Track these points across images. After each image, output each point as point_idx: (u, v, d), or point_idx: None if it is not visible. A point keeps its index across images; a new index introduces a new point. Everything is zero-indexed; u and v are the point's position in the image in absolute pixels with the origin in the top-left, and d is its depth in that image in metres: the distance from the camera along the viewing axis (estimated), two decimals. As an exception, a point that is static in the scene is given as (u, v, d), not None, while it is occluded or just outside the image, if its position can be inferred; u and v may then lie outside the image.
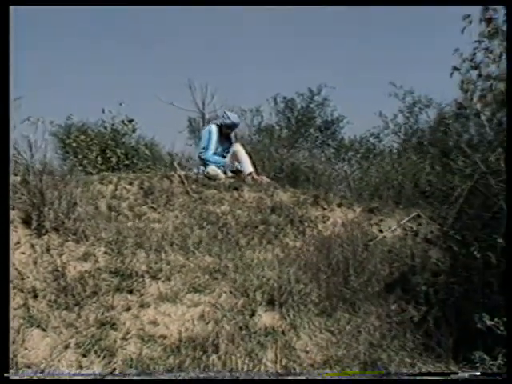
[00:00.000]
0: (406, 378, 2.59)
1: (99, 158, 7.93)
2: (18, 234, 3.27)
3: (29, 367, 2.47)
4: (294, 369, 2.56)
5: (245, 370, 2.51)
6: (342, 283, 3.62)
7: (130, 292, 3.07)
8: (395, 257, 3.97)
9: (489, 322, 2.80)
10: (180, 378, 2.34)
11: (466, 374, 2.51)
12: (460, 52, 3.32)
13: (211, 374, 2.37)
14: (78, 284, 3.00)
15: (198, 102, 9.90)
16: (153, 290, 3.12)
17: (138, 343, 2.68)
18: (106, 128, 8.59)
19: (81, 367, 2.53)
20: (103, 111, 8.56)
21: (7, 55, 2.76)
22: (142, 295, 3.06)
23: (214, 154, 6.35)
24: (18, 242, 3.21)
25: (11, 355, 2.44)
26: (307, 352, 2.93)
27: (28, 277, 3.00)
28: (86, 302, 2.91)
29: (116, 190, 5.26)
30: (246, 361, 2.68)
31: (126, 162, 8.05)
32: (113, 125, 8.57)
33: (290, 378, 2.47)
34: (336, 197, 5.72)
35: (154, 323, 2.84)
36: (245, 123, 9.43)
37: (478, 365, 2.83)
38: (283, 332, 2.94)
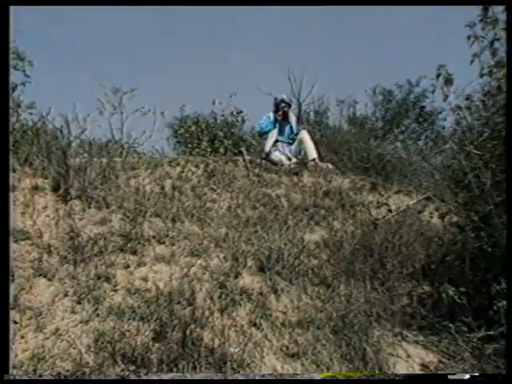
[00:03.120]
0: (404, 378, 2.66)
1: (208, 148, 8.40)
2: (46, 199, 3.73)
3: (30, 309, 2.87)
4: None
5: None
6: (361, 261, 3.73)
7: (134, 253, 3.42)
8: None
9: (451, 293, 2.85)
10: (178, 378, 2.49)
11: (466, 375, 2.57)
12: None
13: (209, 374, 2.51)
14: (89, 244, 3.39)
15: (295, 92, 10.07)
16: (154, 252, 3.44)
17: (124, 295, 3.02)
18: (215, 119, 9.09)
19: (73, 312, 2.90)
20: (213, 103, 9.10)
21: (7, 55, 2.90)
22: (142, 256, 3.39)
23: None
24: (46, 206, 3.67)
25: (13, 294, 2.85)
26: (284, 313, 3.12)
27: (47, 236, 3.43)
28: (92, 259, 3.29)
29: (182, 171, 5.64)
30: (217, 315, 2.93)
31: (235, 151, 8.40)
32: (222, 116, 9.07)
33: (288, 378, 2.58)
34: (395, 184, 5.77)
35: (144, 279, 3.16)
36: (340, 114, 9.53)
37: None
38: (261, 293, 3.15)
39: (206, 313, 2.89)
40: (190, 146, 8.63)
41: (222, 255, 3.49)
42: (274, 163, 6.31)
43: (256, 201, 5.07)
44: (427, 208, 4.81)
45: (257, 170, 5.89)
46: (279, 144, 6.69)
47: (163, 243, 3.56)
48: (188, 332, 2.67)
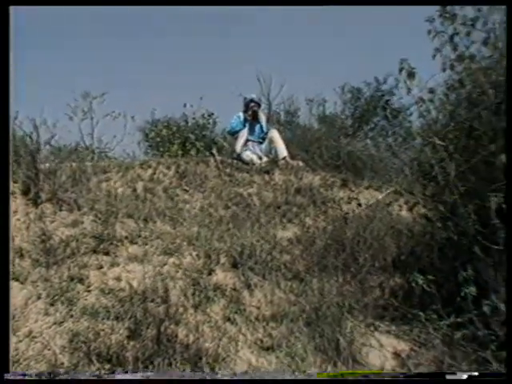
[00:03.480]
0: (402, 378, 2.65)
1: (179, 151, 8.40)
2: (16, 203, 3.70)
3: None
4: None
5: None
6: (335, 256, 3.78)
7: (106, 254, 3.42)
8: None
9: (420, 281, 2.91)
10: (175, 378, 2.51)
11: (465, 375, 2.54)
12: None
13: (205, 374, 2.53)
14: (61, 246, 3.38)
15: (264, 92, 10.12)
16: (126, 252, 3.45)
17: (98, 295, 3.02)
18: (187, 122, 9.09)
19: (47, 314, 2.89)
20: (184, 105, 9.10)
21: (7, 55, 2.85)
22: (116, 257, 3.39)
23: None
24: (16, 211, 3.65)
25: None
26: (258, 308, 3.16)
27: (18, 239, 3.41)
28: (65, 261, 3.28)
29: (154, 173, 5.64)
30: (192, 311, 2.96)
31: (207, 154, 8.44)
32: (193, 119, 9.08)
33: (287, 378, 2.60)
34: (365, 180, 5.85)
35: (118, 279, 3.16)
36: (310, 113, 9.65)
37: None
38: (234, 289, 3.18)
39: (180, 310, 2.91)
40: (161, 149, 8.63)
41: (194, 253, 3.52)
42: (246, 162, 6.35)
43: (228, 200, 5.11)
44: (397, 202, 4.89)
45: (228, 170, 5.92)
46: (250, 143, 6.73)
47: (136, 243, 3.56)
48: (162, 329, 2.69)
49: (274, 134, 6.71)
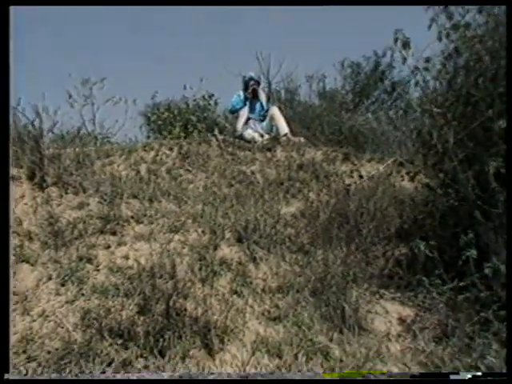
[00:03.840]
0: (405, 378, 2.65)
1: (181, 134, 8.42)
2: (23, 188, 3.76)
3: (16, 294, 2.93)
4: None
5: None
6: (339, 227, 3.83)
7: (113, 234, 3.48)
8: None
9: (422, 248, 2.96)
10: (177, 378, 2.52)
11: (468, 375, 2.55)
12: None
13: (206, 373, 2.54)
14: (69, 228, 3.45)
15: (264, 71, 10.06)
16: (133, 231, 3.51)
17: (107, 273, 3.09)
18: (187, 104, 9.08)
19: (58, 294, 2.97)
20: (184, 87, 9.09)
21: (7, 55, 2.86)
22: (122, 236, 3.45)
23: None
24: (23, 195, 3.70)
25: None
26: (264, 280, 3.22)
27: (26, 223, 3.47)
28: (73, 242, 3.35)
29: (157, 155, 5.69)
30: (199, 286, 3.02)
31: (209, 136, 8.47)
32: (194, 100, 9.07)
33: (286, 377, 2.59)
34: (367, 153, 5.88)
35: (126, 257, 3.23)
36: (310, 89, 9.64)
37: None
38: (240, 263, 3.25)
39: (188, 284, 2.97)
40: (163, 132, 8.64)
41: (200, 230, 3.57)
42: (247, 141, 6.39)
43: (231, 178, 5.17)
44: (399, 172, 4.93)
45: (230, 149, 5.96)
46: (251, 121, 6.76)
47: (142, 222, 3.62)
48: (171, 303, 2.74)
49: (275, 111, 6.74)
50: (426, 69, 3.14)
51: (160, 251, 3.19)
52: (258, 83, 7.07)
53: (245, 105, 6.80)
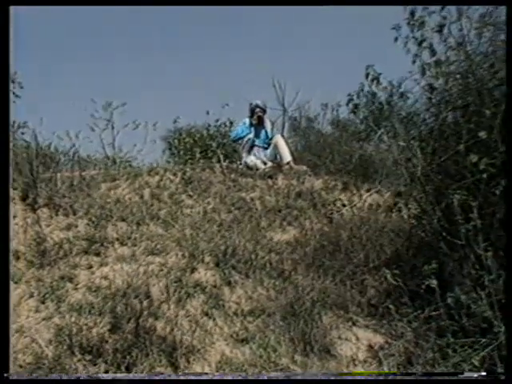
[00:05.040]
0: (406, 378, 2.72)
1: (201, 160, 8.61)
2: (16, 208, 3.94)
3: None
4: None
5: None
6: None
7: (97, 255, 3.62)
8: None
9: (388, 276, 3.05)
10: (176, 378, 2.65)
11: (475, 374, 2.59)
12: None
13: (203, 374, 2.68)
14: (55, 248, 3.60)
15: (280, 100, 10.24)
16: (115, 253, 3.65)
17: (85, 292, 3.22)
18: (208, 130, 9.30)
19: (37, 311, 3.10)
20: (207, 113, 9.32)
21: (7, 55, 2.90)
22: (105, 257, 3.60)
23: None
24: (15, 216, 3.88)
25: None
26: (238, 303, 3.32)
27: (15, 242, 3.63)
28: (58, 262, 3.49)
29: (161, 180, 5.86)
30: (172, 307, 3.14)
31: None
32: (215, 126, 9.28)
33: (284, 378, 2.69)
34: (366, 183, 5.97)
35: (105, 277, 3.36)
36: (324, 118, 9.80)
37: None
38: (215, 286, 3.36)
39: (161, 305, 3.08)
40: (184, 157, 8.83)
41: (180, 253, 3.69)
42: (250, 168, 6.52)
43: (231, 204, 5.27)
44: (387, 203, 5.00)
45: (233, 176, 6.08)
46: (255, 148, 6.91)
47: (126, 245, 3.75)
48: (142, 323, 2.86)
49: (279, 140, 6.89)
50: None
51: (138, 272, 3.31)
52: (264, 111, 7.23)
53: (250, 132, 6.95)
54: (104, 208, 4.11)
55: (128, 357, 2.72)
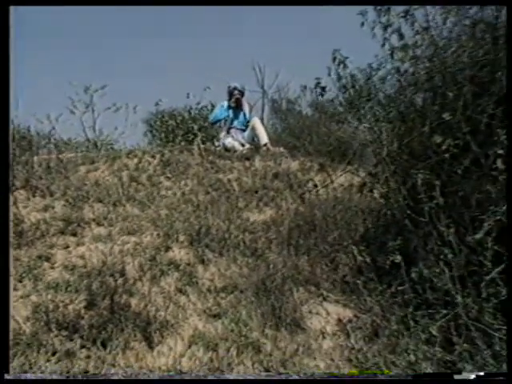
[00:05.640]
0: (402, 378, 2.71)
1: (183, 142, 8.63)
2: (-8, 191, 3.98)
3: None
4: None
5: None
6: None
7: (74, 235, 3.70)
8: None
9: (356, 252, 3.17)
10: (178, 378, 2.67)
11: (472, 375, 2.58)
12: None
13: (202, 374, 2.69)
14: (32, 228, 3.67)
15: (260, 82, 10.26)
16: (92, 233, 3.73)
17: (61, 271, 3.30)
18: (190, 113, 9.31)
19: (15, 289, 3.18)
20: (188, 96, 9.33)
21: (7, 55, 2.91)
22: (82, 237, 3.67)
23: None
24: (-9, 198, 3.92)
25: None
26: (211, 280, 3.43)
27: (-8, 224, 3.69)
28: (35, 242, 3.57)
29: (140, 162, 5.92)
30: (146, 284, 3.23)
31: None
32: (196, 109, 9.31)
33: (282, 377, 2.72)
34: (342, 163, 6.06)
35: (81, 257, 3.44)
36: (305, 100, 9.87)
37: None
38: (188, 264, 3.46)
39: (135, 283, 3.18)
40: (165, 139, 8.87)
41: (155, 233, 3.77)
42: (228, 150, 6.60)
43: (209, 186, 5.35)
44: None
45: (211, 158, 6.15)
46: (233, 131, 6.99)
47: (102, 225, 3.83)
48: (117, 300, 2.95)
49: (256, 122, 6.98)
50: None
51: (114, 251, 3.39)
52: (242, 93, 7.30)
53: (228, 114, 7.02)
54: (81, 190, 4.16)
55: (103, 332, 2.81)
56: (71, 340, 2.79)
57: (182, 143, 8.55)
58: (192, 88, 9.64)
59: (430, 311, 2.93)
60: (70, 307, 2.94)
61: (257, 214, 4.77)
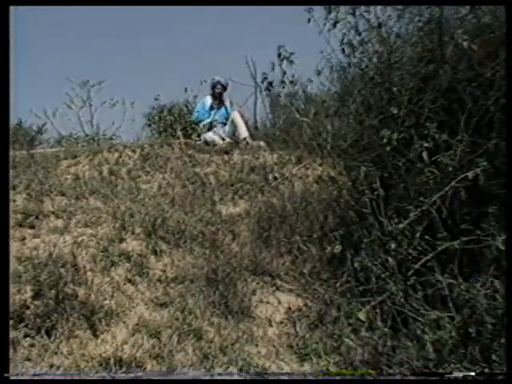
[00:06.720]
0: (398, 377, 2.68)
1: (181, 136, 8.67)
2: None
3: None
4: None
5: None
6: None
7: (32, 227, 3.76)
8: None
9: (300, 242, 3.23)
10: (175, 377, 2.70)
11: (461, 374, 2.55)
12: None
13: (198, 373, 2.72)
14: (-9, 222, 3.72)
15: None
16: (50, 225, 3.79)
17: (14, 263, 3.36)
18: (187, 107, 9.37)
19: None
20: (185, 90, 9.37)
21: (7, 55, 2.93)
22: (39, 230, 3.74)
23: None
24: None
25: None
26: (164, 271, 3.49)
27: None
28: (-8, 234, 3.62)
29: (120, 157, 5.97)
30: (97, 274, 3.30)
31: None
32: (194, 103, 9.35)
33: (281, 377, 2.77)
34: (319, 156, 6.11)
35: (35, 248, 3.51)
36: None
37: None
38: (140, 255, 3.52)
39: (86, 273, 3.24)
40: (164, 134, 8.93)
41: (112, 225, 3.83)
42: (208, 144, 6.66)
43: (186, 179, 5.40)
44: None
45: (190, 151, 6.21)
46: (213, 125, 7.05)
47: (61, 218, 3.89)
48: (64, 289, 3.01)
49: (236, 116, 7.04)
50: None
51: (67, 243, 3.46)
52: (225, 87, 7.34)
53: (209, 116, 7.09)
54: (43, 183, 4.22)
55: (48, 321, 2.87)
56: (16, 329, 2.84)
57: (181, 137, 8.61)
58: (190, 83, 9.67)
59: (366, 299, 2.99)
60: (17, 297, 3.00)
61: (232, 207, 4.82)
